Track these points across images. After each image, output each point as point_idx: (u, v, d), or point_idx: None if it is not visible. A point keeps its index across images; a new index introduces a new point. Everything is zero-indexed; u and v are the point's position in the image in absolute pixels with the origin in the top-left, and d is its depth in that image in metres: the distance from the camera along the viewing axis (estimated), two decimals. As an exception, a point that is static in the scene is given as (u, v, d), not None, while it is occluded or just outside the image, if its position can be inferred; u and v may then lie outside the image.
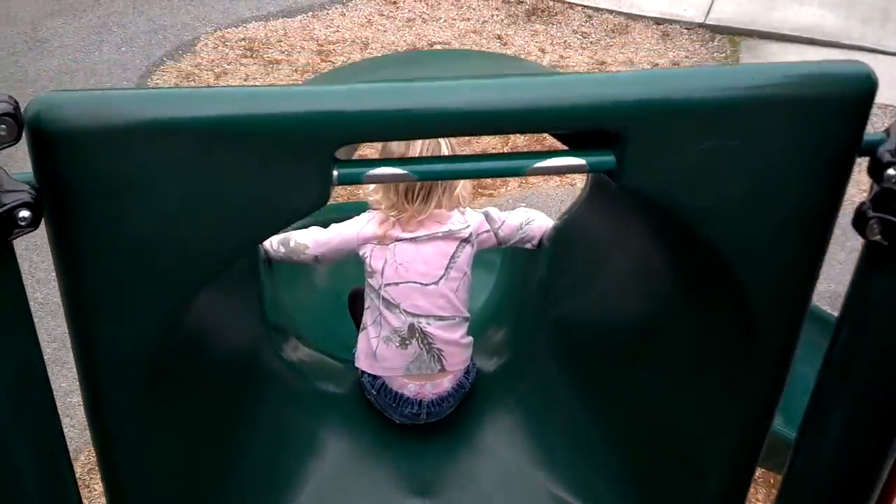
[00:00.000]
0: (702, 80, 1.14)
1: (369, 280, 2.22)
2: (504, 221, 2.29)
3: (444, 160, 1.27)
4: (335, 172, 1.09)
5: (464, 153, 2.18)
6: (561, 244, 2.14)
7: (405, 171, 1.14)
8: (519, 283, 2.50)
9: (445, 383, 2.26)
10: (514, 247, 2.37)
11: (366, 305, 2.27)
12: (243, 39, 6.05)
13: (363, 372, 2.28)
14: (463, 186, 2.19)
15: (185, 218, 1.08)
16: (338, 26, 6.26)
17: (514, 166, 1.20)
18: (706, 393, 1.44)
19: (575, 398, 1.96)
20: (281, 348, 2.18)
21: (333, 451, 2.10)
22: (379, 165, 1.14)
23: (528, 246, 2.32)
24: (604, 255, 1.79)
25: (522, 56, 6.06)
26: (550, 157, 1.14)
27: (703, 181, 1.15)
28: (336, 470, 2.05)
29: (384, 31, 6.25)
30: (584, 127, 1.14)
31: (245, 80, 5.60)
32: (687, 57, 6.08)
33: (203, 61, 5.79)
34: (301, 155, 1.07)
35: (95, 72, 5.62)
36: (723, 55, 6.11)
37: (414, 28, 6.30)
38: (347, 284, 2.59)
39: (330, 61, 5.85)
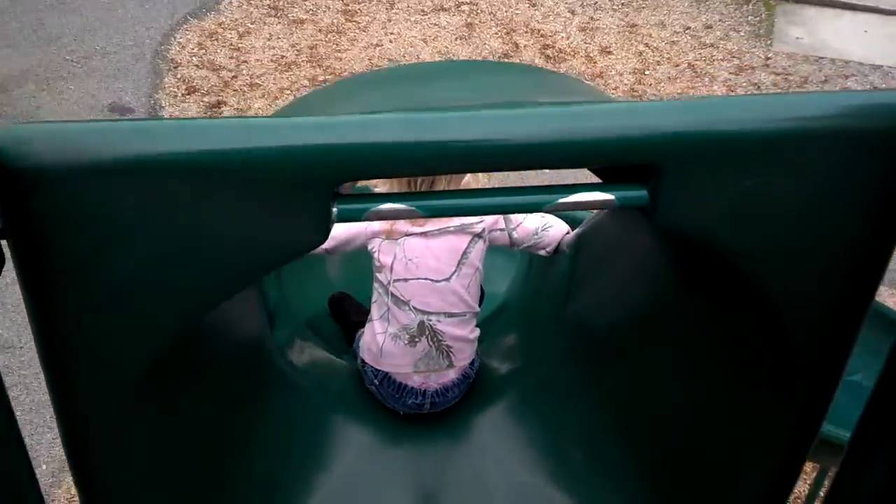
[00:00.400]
0: (743, 110, 1.03)
1: (377, 275, 2.14)
2: (520, 224, 2.18)
3: (454, 195, 1.14)
4: (334, 209, 1.01)
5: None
6: (584, 252, 2.04)
7: (411, 208, 1.05)
8: (537, 286, 2.41)
9: (451, 374, 2.18)
10: (526, 251, 2.29)
11: (372, 299, 2.19)
12: (268, -2, 5.96)
13: (364, 363, 2.22)
14: (473, 176, 2.08)
15: (166, 261, 0.99)
16: (364, -15, 6.15)
17: (533, 202, 1.09)
18: (741, 418, 1.35)
19: (593, 409, 1.86)
20: (282, 347, 2.09)
21: (337, 453, 1.98)
22: (383, 201, 1.04)
23: (542, 253, 2.22)
24: (631, 270, 1.69)
25: (552, 17, 5.93)
26: (574, 192, 1.05)
27: (745, 219, 1.05)
28: (341, 475, 1.96)
29: (410, -10, 6.14)
30: (613, 162, 1.05)
31: (269, 38, 5.52)
32: (720, 20, 5.93)
33: (226, 20, 5.71)
34: (296, 192, 0.98)
35: (118, 30, 5.55)
36: (757, 19, 5.95)
37: (441, -12, 6.18)
38: (357, 274, 2.52)
39: (355, 21, 5.75)
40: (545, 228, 2.18)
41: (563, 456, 1.89)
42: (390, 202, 1.04)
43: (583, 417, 1.88)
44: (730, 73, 5.41)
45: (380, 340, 2.13)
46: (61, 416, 1.07)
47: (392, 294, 2.10)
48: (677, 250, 1.36)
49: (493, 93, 1.45)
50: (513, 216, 2.16)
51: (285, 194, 0.97)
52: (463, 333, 2.15)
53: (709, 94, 5.19)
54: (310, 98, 2.09)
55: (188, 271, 1.00)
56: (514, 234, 2.17)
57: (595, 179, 1.13)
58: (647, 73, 5.39)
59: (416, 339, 2.12)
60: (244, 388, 1.71)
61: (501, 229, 2.16)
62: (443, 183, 2.02)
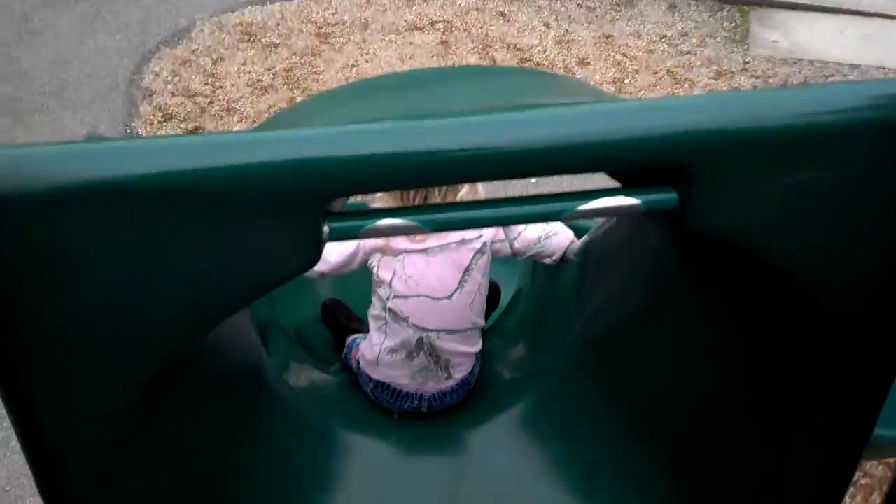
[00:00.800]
0: (782, 103, 0.96)
1: (377, 289, 2.07)
2: (521, 233, 2.09)
3: (460, 207, 1.03)
4: (326, 228, 0.92)
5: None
6: (593, 258, 1.94)
7: (412, 223, 0.96)
8: (544, 292, 2.31)
9: (449, 382, 2.12)
10: (529, 260, 2.20)
11: (371, 310, 2.12)
12: (240, 24, 5.90)
13: (359, 366, 2.14)
14: (472, 188, 1.99)
15: (140, 294, 0.88)
16: (336, 8, 6.11)
17: (551, 210, 0.99)
18: (777, 438, 1.26)
19: (610, 415, 1.75)
20: (275, 365, 1.98)
21: (341, 475, 1.86)
22: (380, 217, 0.95)
23: (546, 261, 2.14)
24: (645, 273, 1.59)
25: (527, 31, 5.91)
26: (596, 198, 0.97)
27: (782, 218, 0.98)
28: (347, 496, 1.84)
29: (384, 10, 6.10)
30: (640, 164, 0.97)
31: (243, 63, 5.45)
32: (696, 28, 5.94)
33: (199, 47, 5.64)
34: (283, 211, 0.89)
35: (90, 61, 5.46)
36: (732, 25, 5.96)
37: (414, 7, 6.15)
38: (346, 283, 2.43)
39: (329, 43, 5.70)
40: (548, 237, 2.09)
41: (582, 464, 1.80)
42: (388, 217, 0.95)
43: (598, 423, 1.78)
44: (709, 78, 5.40)
45: (376, 352, 2.07)
46: (34, 466, 0.96)
47: (390, 310, 2.03)
48: (701, 251, 1.27)
49: (494, 97, 1.34)
50: (514, 226, 2.06)
51: (271, 214, 0.88)
52: (464, 349, 2.08)
53: (680, 37, 5.14)
54: (292, 112, 1.99)
55: (166, 303, 0.90)
56: (516, 245, 2.09)
57: (602, 184, 1.05)
58: (626, 81, 5.37)
59: (414, 355, 2.06)
60: (237, 414, 1.59)
61: (502, 240, 2.08)
62: (436, 196, 1.94)
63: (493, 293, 2.53)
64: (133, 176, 0.83)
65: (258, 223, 0.88)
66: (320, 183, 0.88)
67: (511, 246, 2.09)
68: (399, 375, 2.08)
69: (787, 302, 1.10)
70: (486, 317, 2.43)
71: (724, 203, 0.96)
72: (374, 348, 2.08)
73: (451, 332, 2.04)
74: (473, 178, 1.08)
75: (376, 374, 2.09)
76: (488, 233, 2.05)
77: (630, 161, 0.95)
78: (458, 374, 2.10)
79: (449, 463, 1.96)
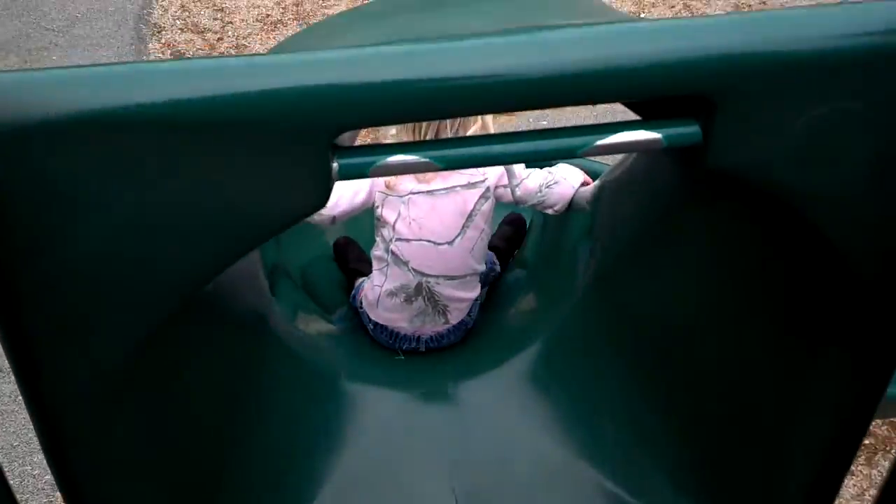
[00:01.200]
0: (816, 22, 0.88)
1: (380, 229, 2.07)
2: (523, 180, 2.05)
3: (473, 142, 0.96)
4: (335, 165, 0.87)
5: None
6: (606, 206, 1.86)
7: (425, 160, 0.91)
8: (555, 240, 2.27)
9: (445, 325, 2.15)
10: (532, 209, 2.17)
11: (373, 250, 2.13)
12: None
13: (361, 307, 2.18)
14: (483, 125, 1.98)
15: (142, 232, 0.85)
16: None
17: (567, 146, 0.93)
18: (795, 376, 1.22)
19: (624, 376, 1.70)
20: (284, 309, 1.98)
21: (352, 429, 1.84)
22: (391, 153, 0.89)
23: (549, 212, 2.10)
24: (664, 220, 1.52)
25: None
26: (614, 133, 0.90)
27: (814, 156, 0.91)
28: (357, 451, 1.84)
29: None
30: (659, 93, 0.90)
31: (253, -2, 5.38)
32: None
33: (209, -20, 5.56)
34: (289, 145, 0.84)
35: (99, -5, 5.41)
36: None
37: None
38: (356, 222, 2.42)
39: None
40: (549, 185, 2.04)
41: (594, 427, 1.76)
42: (400, 153, 0.90)
43: (612, 384, 1.75)
44: (726, 11, 5.28)
45: (377, 293, 2.10)
46: (36, 414, 0.95)
47: (392, 252, 2.04)
48: (720, 189, 1.20)
49: (512, 19, 1.26)
50: (517, 171, 2.03)
51: (276, 149, 0.83)
52: (462, 294, 2.10)
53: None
54: (298, 37, 1.92)
55: (167, 245, 0.87)
56: (517, 192, 2.05)
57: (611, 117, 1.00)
58: (642, 14, 5.25)
59: (413, 299, 2.08)
60: (245, 359, 1.58)
61: (505, 186, 2.05)
62: (448, 131, 1.92)
63: (518, 228, 2.53)
64: (130, 105, 0.79)
65: (263, 158, 0.84)
66: (328, 113, 0.83)
67: (513, 192, 2.06)
68: (397, 318, 2.11)
69: (806, 245, 1.05)
70: (512, 252, 2.45)
71: (749, 137, 0.90)
72: (374, 289, 2.11)
73: (450, 278, 2.06)
74: (490, 109, 1.00)
75: (375, 316, 2.13)
76: (492, 177, 2.04)
77: (650, 90, 0.88)
78: (455, 318, 2.13)
79: (454, 416, 1.95)
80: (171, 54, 4.90)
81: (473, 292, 2.14)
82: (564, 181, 2.05)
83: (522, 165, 2.05)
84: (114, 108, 0.79)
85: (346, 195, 2.03)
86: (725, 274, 1.35)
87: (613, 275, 1.78)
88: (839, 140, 0.90)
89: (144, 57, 4.89)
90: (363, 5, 2.04)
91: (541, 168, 2.09)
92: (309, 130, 0.83)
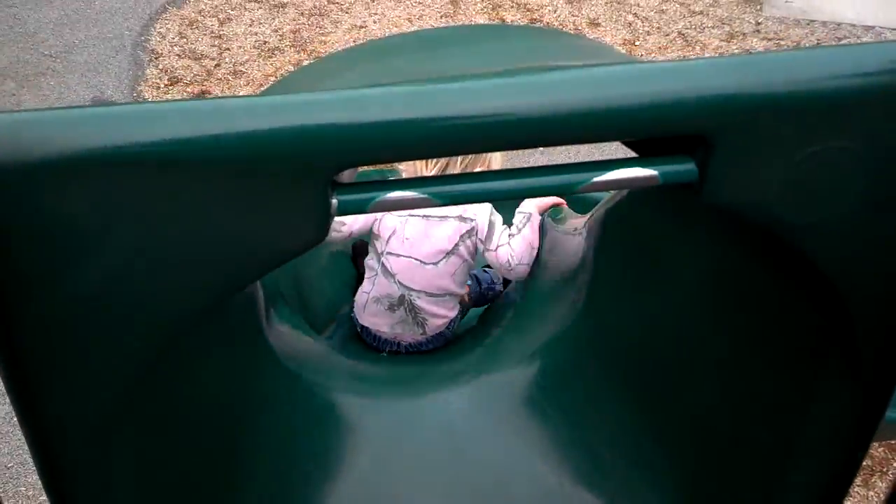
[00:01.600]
0: (806, 65, 0.89)
1: (374, 241, 2.20)
2: (497, 247, 2.14)
3: (472, 179, 0.97)
4: (334, 201, 0.88)
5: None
6: (602, 238, 1.86)
7: (424, 196, 0.91)
8: (553, 268, 2.30)
9: (423, 336, 2.28)
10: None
11: (367, 258, 2.27)
12: (247, -18, 5.84)
13: (352, 310, 2.31)
14: (490, 164, 2.11)
15: (142, 269, 0.86)
16: (344, -35, 6.04)
17: (563, 182, 0.94)
18: (790, 411, 1.23)
19: (621, 402, 1.73)
20: (277, 323, 1.98)
21: (347, 451, 1.90)
22: (390, 189, 0.90)
23: (510, 279, 2.24)
24: (659, 253, 1.54)
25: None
26: (611, 170, 0.92)
27: (811, 193, 0.93)
28: (356, 471, 1.85)
29: (393, -32, 6.03)
30: (658, 133, 0.91)
31: (250, 24, 5.41)
32: (708, -13, 5.84)
33: (206, 7, 5.60)
34: (288, 183, 0.84)
35: (97, 21, 5.43)
36: (746, -16, 5.87)
37: (423, -35, 6.07)
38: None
39: (336, 2, 5.64)
40: (517, 265, 2.14)
41: (590, 453, 1.77)
42: (399, 189, 0.91)
43: (607, 408, 1.74)
44: (721, 40, 5.33)
45: (364, 299, 2.25)
46: (35, 448, 0.95)
47: (382, 263, 2.18)
48: (718, 228, 1.22)
49: (511, 60, 1.28)
50: (496, 236, 2.14)
51: (276, 187, 0.84)
52: (440, 311, 2.23)
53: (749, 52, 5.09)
54: (298, 75, 1.94)
55: (166, 280, 0.88)
56: (487, 255, 2.16)
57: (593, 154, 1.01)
58: (637, 43, 5.30)
59: (395, 308, 2.22)
60: (241, 381, 1.57)
61: (482, 240, 2.17)
62: (457, 166, 2.02)
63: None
64: (133, 144, 0.80)
65: (263, 196, 0.84)
66: (328, 152, 0.83)
67: (485, 252, 2.17)
68: (380, 323, 2.25)
69: (801, 278, 1.06)
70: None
71: (744, 174, 0.91)
72: (363, 295, 2.25)
73: (430, 294, 2.19)
74: (489, 148, 0.99)
75: (362, 319, 2.27)
76: (480, 221, 2.15)
77: (648, 130, 0.89)
78: (432, 331, 2.27)
79: (449, 439, 1.96)
80: (168, 80, 4.92)
81: (451, 312, 2.26)
82: (523, 266, 2.14)
83: (504, 231, 2.15)
84: (115, 148, 0.80)
85: (360, 217, 2.15)
86: (720, 304, 1.36)
87: (605, 302, 1.79)
88: (835, 177, 0.91)
89: (142, 83, 4.91)
90: (359, 45, 2.09)
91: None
92: (309, 169, 0.84)
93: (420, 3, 5.70)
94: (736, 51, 5.25)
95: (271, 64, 5.06)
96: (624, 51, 5.23)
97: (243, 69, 5.02)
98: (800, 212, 0.94)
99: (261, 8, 5.60)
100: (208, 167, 0.82)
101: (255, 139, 0.81)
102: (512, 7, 5.66)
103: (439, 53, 1.37)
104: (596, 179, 0.92)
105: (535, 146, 0.92)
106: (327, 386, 1.98)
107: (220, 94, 4.85)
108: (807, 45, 5.27)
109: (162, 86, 4.89)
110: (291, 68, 5.04)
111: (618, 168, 0.92)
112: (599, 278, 1.84)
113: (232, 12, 5.55)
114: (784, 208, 0.94)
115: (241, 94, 4.82)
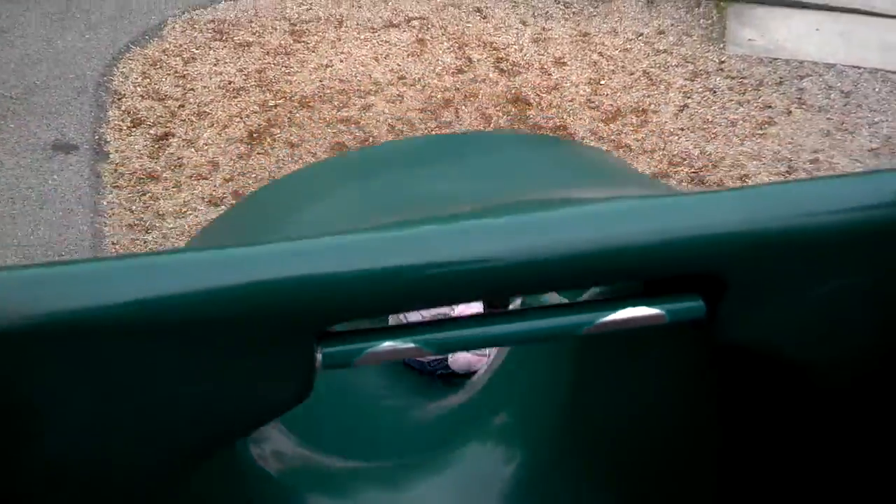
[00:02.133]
0: (825, 196, 0.84)
1: None
2: (458, 356, 2.15)
3: (466, 324, 0.88)
4: (319, 355, 0.81)
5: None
6: (590, 350, 1.89)
7: (415, 346, 0.84)
8: (535, 372, 2.28)
9: None
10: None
11: None
12: (212, 21, 5.81)
13: None
14: None
15: (111, 435, 0.79)
16: (311, 4, 6.02)
17: (567, 324, 0.87)
18: None
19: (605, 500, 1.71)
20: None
21: None
22: (380, 339, 0.83)
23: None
24: (649, 369, 1.47)
25: (504, 28, 5.84)
26: (616, 310, 0.85)
27: (821, 330, 0.88)
28: None
29: (359, 6, 6.02)
30: (668, 274, 0.85)
31: (215, 64, 5.38)
32: (672, 25, 5.89)
33: (170, 46, 5.56)
34: (270, 339, 0.77)
35: (59, 61, 5.38)
36: (709, 22, 5.92)
37: (390, 3, 6.07)
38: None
39: (303, 41, 5.62)
40: (474, 371, 2.14)
41: None
42: (390, 340, 0.83)
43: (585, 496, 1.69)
44: (685, 79, 5.37)
45: None
46: None
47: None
48: (717, 358, 1.15)
49: (493, 182, 1.21)
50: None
51: (254, 344, 0.76)
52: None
53: (656, 35, 5.13)
54: (266, 195, 1.78)
55: (139, 447, 0.80)
56: (449, 358, 2.16)
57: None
58: (602, 82, 5.33)
59: None
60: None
61: None
62: None
63: None
64: (93, 308, 0.72)
65: (240, 355, 0.77)
66: (312, 308, 0.76)
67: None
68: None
69: (804, 401, 1.02)
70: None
71: (757, 313, 0.86)
72: None
73: None
74: (481, 296, 0.95)
75: None
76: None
77: (656, 271, 0.84)
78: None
79: None
80: (131, 122, 4.87)
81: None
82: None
83: None
84: (74, 312, 0.72)
85: None
86: (712, 413, 1.32)
87: (596, 416, 1.75)
88: (845, 313, 0.87)
89: (104, 125, 4.86)
90: (340, 156, 1.99)
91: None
92: (291, 325, 0.77)
93: (387, 41, 5.70)
94: (700, 89, 5.28)
95: (236, 104, 5.03)
96: (589, 90, 5.24)
97: (207, 110, 4.99)
98: (811, 349, 0.90)
99: (225, 47, 5.57)
100: (177, 329, 0.74)
101: (230, 296, 0.74)
102: (478, 46, 5.68)
103: (424, 171, 1.29)
104: (601, 321, 0.85)
105: (538, 292, 0.87)
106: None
107: (183, 136, 4.80)
108: (770, 82, 5.32)
109: (125, 128, 4.85)
110: (256, 108, 5.01)
111: (623, 308, 0.86)
112: (583, 389, 1.78)
113: (196, 51, 5.51)
114: (795, 346, 0.90)
115: (205, 135, 4.78)
